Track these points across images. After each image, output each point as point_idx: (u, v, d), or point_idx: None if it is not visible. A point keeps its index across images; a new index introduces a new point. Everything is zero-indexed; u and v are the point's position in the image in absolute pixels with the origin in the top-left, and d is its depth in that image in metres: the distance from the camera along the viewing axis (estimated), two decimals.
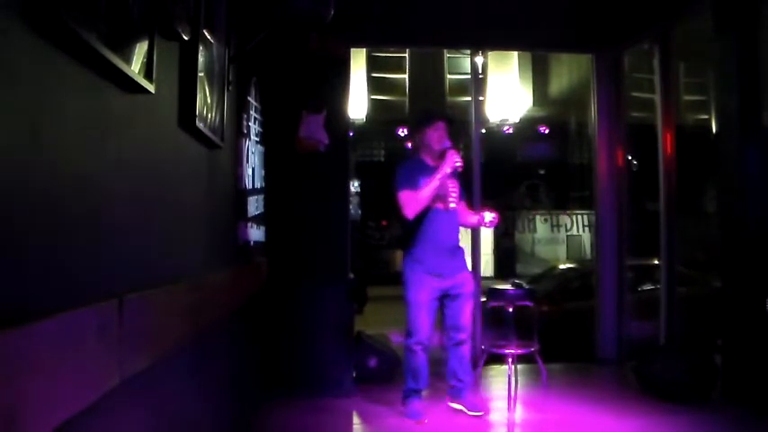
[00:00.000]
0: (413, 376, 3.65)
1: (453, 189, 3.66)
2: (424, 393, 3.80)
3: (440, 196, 3.60)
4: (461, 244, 3.82)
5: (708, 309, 4.84)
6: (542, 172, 17.22)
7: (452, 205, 3.65)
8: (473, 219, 3.87)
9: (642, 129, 6.02)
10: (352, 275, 4.39)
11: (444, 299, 3.67)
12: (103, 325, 1.21)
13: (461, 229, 3.86)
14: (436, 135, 3.67)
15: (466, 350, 3.73)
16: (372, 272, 13.90)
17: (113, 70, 1.27)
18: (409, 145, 16.79)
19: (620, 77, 5.27)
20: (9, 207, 0.93)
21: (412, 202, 3.52)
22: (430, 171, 3.60)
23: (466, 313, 3.70)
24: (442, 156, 3.59)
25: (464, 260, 3.82)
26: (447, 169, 3.52)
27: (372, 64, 14.47)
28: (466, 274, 3.77)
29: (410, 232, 3.64)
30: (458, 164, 3.52)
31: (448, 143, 3.64)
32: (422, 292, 3.59)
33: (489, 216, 3.72)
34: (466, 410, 3.68)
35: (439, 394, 3.91)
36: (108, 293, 1.26)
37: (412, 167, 3.68)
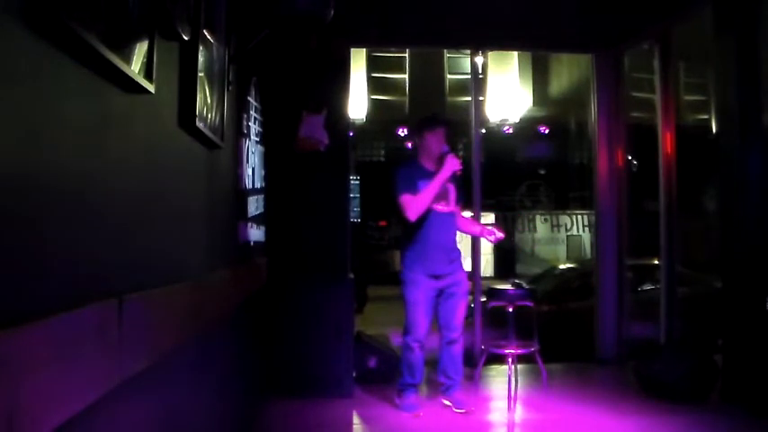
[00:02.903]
0: (409, 371, 3.77)
1: (451, 191, 3.78)
2: (422, 389, 3.92)
3: (439, 198, 3.69)
4: (459, 246, 3.88)
5: (708, 309, 4.84)
6: (542, 172, 17.22)
7: (448, 207, 3.76)
8: (475, 228, 4.03)
9: (642, 129, 6.02)
10: (352, 275, 4.39)
11: (439, 297, 3.76)
12: (103, 325, 1.21)
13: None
14: (435, 140, 3.76)
15: (458, 349, 3.83)
16: (372, 272, 13.89)
17: (113, 70, 1.27)
18: (410, 145, 16.90)
19: (620, 77, 5.27)
20: (8, 207, 0.93)
21: (413, 205, 3.61)
22: (427, 174, 3.69)
23: (459, 313, 3.79)
24: (441, 159, 3.66)
25: (460, 261, 3.88)
26: (447, 173, 3.61)
27: (372, 64, 14.47)
28: (461, 274, 3.86)
29: (410, 232, 3.73)
30: (457, 168, 3.63)
31: (446, 147, 3.73)
32: (419, 291, 3.70)
33: (498, 233, 3.85)
34: (453, 407, 3.77)
35: (436, 392, 3.93)
36: (108, 293, 1.26)
37: (410, 171, 3.77)
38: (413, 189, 3.64)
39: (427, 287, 3.70)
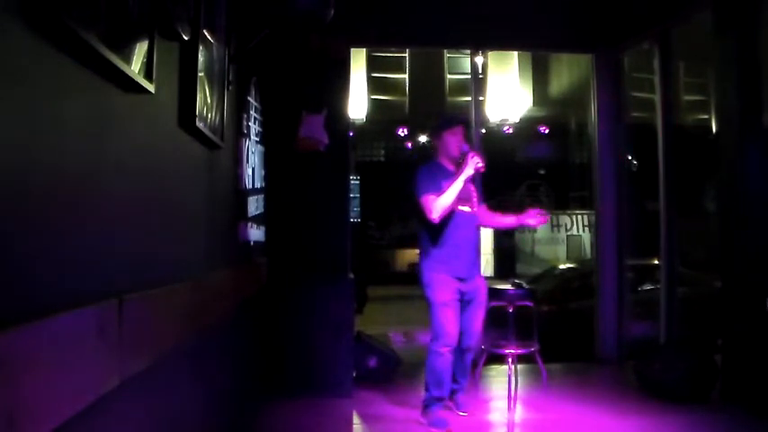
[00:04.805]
0: (436, 383, 3.50)
1: (473, 192, 3.68)
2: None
3: (463, 198, 3.57)
4: None
5: (708, 309, 4.84)
6: (542, 172, 17.22)
7: (472, 209, 3.65)
8: (508, 219, 3.89)
9: (642, 129, 6.02)
10: (352, 275, 4.39)
11: (461, 302, 3.61)
12: (103, 325, 1.21)
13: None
14: (455, 139, 3.65)
15: (470, 356, 3.74)
16: (372, 272, 13.89)
17: (113, 70, 1.27)
18: (409, 145, 16.73)
19: (620, 77, 5.27)
20: (9, 207, 0.93)
21: (436, 205, 3.45)
22: (449, 174, 3.57)
23: (478, 320, 3.68)
24: (461, 159, 3.58)
25: (479, 265, 3.78)
26: (470, 171, 3.49)
27: (372, 64, 14.45)
28: (481, 279, 3.76)
29: (433, 234, 3.57)
30: (480, 165, 3.50)
31: (467, 147, 3.63)
32: (446, 291, 3.51)
33: (537, 215, 3.70)
34: (456, 410, 3.70)
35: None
36: (108, 293, 1.26)
37: (432, 171, 3.63)
38: (436, 189, 3.48)
39: (453, 287, 3.53)
